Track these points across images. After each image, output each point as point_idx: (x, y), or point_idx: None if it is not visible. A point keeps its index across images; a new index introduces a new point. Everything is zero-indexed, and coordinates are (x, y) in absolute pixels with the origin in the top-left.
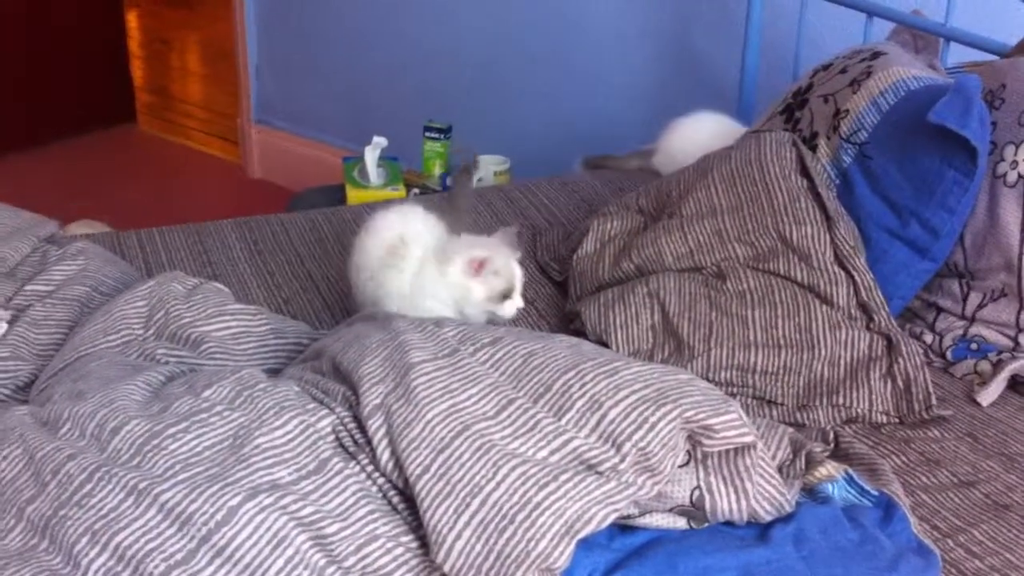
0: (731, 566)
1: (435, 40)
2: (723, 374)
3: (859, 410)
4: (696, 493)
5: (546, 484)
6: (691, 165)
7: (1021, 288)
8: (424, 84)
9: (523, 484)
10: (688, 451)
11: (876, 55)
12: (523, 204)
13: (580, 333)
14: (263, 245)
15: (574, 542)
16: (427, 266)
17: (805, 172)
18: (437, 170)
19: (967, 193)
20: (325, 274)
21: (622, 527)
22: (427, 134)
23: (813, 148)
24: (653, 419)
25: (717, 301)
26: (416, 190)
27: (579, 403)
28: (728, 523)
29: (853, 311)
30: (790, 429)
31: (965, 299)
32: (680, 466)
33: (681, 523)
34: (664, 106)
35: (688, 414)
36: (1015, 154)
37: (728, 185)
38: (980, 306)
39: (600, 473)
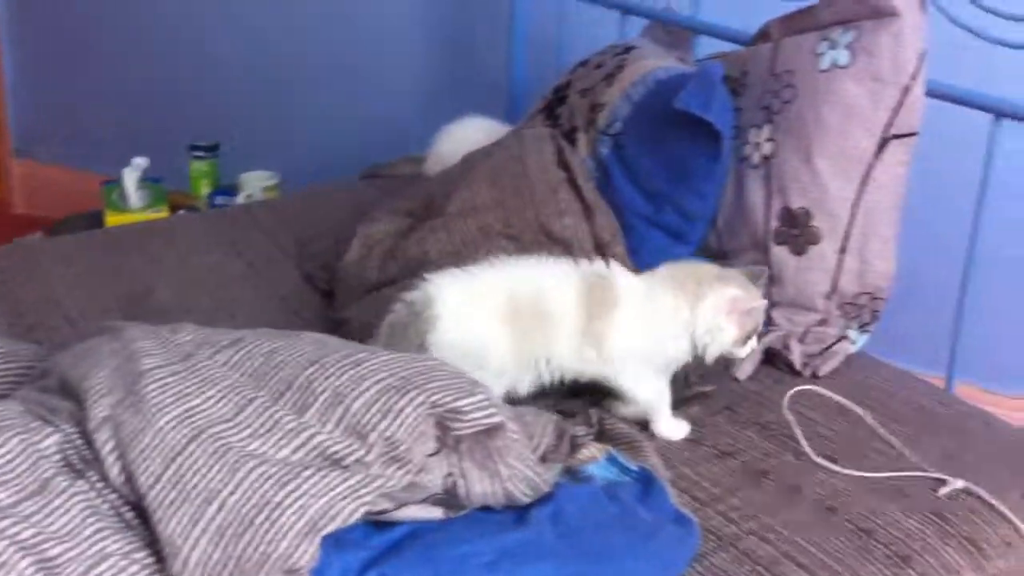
0: (488, 551)
1: (198, 57)
2: None
3: None
4: (449, 480)
5: (287, 483)
6: (455, 165)
7: (769, 265)
8: (190, 102)
9: (262, 485)
10: (439, 438)
11: (628, 49)
12: (291, 217)
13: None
14: (7, 275)
15: (318, 539)
16: (657, 302)
17: (564, 165)
18: (205, 190)
19: (716, 177)
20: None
21: (379, 523)
22: (193, 153)
23: (573, 142)
24: (398, 407)
25: None
26: (182, 211)
27: (322, 397)
28: (487, 509)
29: None
30: (556, 416)
31: None
32: (431, 455)
33: (437, 513)
34: (440, 111)
35: (434, 398)
36: (758, 136)
37: (490, 181)
38: None
39: (346, 467)
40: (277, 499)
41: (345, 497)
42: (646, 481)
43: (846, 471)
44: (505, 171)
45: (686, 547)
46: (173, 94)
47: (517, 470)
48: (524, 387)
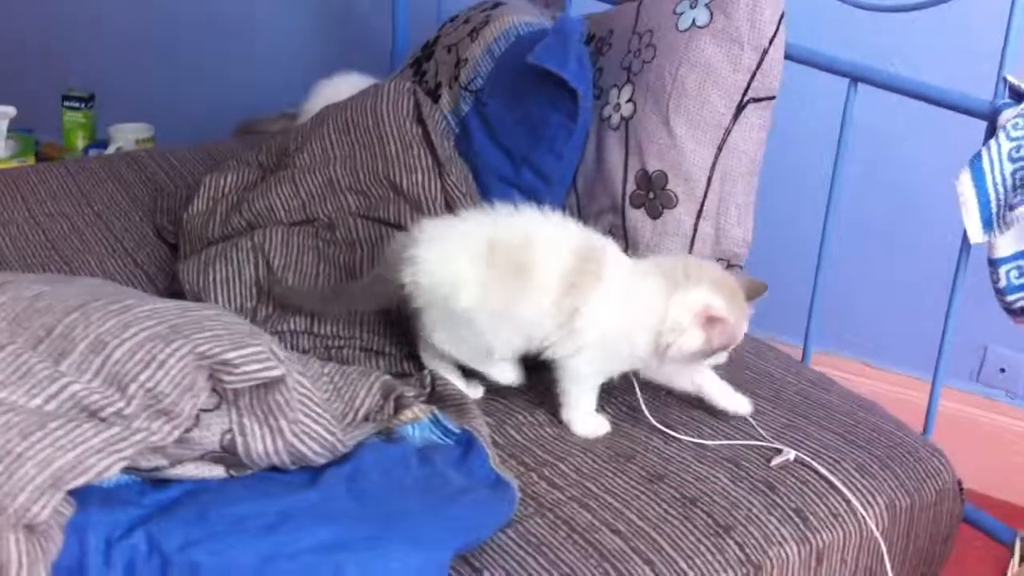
0: (270, 511)
1: (74, 5)
2: (328, 326)
3: None
4: (228, 437)
5: (30, 433)
6: (311, 117)
7: (626, 229)
8: (64, 51)
9: (4, 435)
10: (218, 392)
11: (496, 5)
12: (153, 169)
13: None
14: None
15: (60, 494)
16: (638, 286)
17: (421, 120)
18: (80, 142)
19: (573, 137)
20: None
21: (158, 481)
22: (67, 104)
23: (436, 99)
24: (162, 356)
25: (325, 252)
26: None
27: (82, 345)
28: (279, 470)
29: None
30: (386, 376)
31: None
32: (210, 409)
33: (219, 471)
34: (325, 73)
35: (201, 349)
36: (618, 97)
37: (342, 134)
38: None
39: (103, 419)
40: (18, 450)
41: (99, 451)
42: (467, 444)
43: (684, 438)
44: (358, 125)
45: (497, 511)
46: (46, 45)
47: (306, 428)
48: (504, 348)
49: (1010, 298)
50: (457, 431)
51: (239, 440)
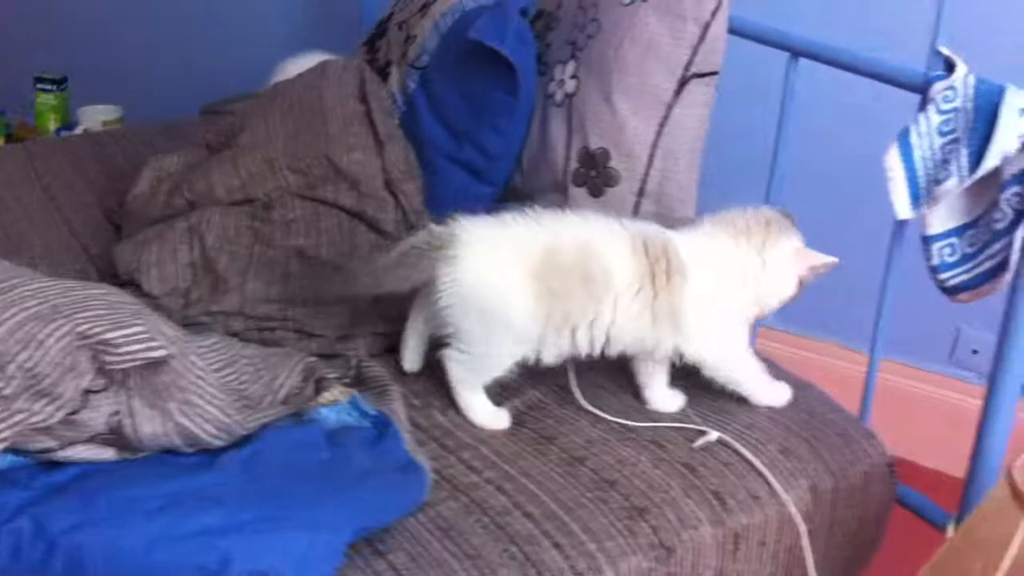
0: (159, 494)
1: None
2: (261, 308)
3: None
4: (115, 418)
5: None
6: (259, 96)
7: (569, 207)
8: (37, 33)
9: None
10: (105, 372)
11: None
12: (112, 151)
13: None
14: None
15: None
16: (724, 256)
17: (365, 99)
18: (52, 124)
19: (516, 114)
20: None
21: (48, 464)
22: (39, 86)
23: (386, 76)
24: (41, 336)
25: (261, 233)
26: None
27: None
28: (177, 452)
29: (403, 237)
30: (311, 358)
31: None
32: (98, 390)
33: (110, 454)
34: (292, 47)
35: (81, 328)
36: (563, 73)
37: (284, 113)
38: None
39: None
40: None
41: None
42: (383, 426)
43: (610, 419)
44: (302, 103)
45: (406, 495)
46: (17, 26)
47: (200, 409)
48: (550, 354)
49: (943, 276)
50: (374, 413)
51: (126, 422)
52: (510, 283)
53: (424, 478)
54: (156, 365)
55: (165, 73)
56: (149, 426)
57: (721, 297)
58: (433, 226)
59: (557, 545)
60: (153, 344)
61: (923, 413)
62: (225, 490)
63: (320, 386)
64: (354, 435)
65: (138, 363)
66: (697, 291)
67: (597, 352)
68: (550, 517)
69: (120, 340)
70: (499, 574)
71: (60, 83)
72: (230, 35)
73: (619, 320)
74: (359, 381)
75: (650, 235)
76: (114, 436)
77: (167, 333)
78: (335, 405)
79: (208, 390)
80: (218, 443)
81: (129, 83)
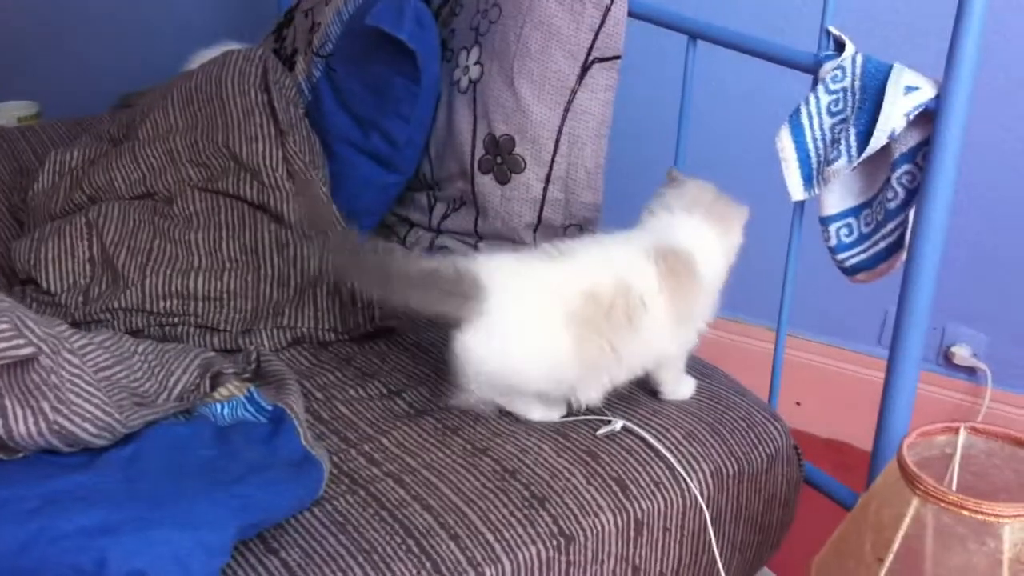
0: (34, 495)
1: None
2: (162, 303)
3: (304, 329)
4: None
5: None
6: (160, 87)
7: (476, 195)
8: None
9: None
10: None
11: None
12: (21, 147)
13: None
14: None
15: None
16: (705, 240)
17: (267, 88)
18: None
19: (419, 101)
20: None
21: None
22: None
23: (293, 65)
24: None
25: (161, 227)
26: None
27: None
28: (57, 453)
29: (305, 229)
30: (209, 353)
31: (431, 210)
32: None
33: None
34: (208, 37)
35: None
36: (467, 59)
37: (185, 104)
38: (444, 216)
39: None
40: None
41: None
42: (278, 421)
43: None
44: (201, 93)
45: (298, 489)
46: None
47: (77, 408)
48: (593, 394)
49: (841, 256)
50: (270, 408)
51: None
52: (545, 341)
53: (320, 472)
54: (25, 363)
55: (84, 68)
56: (23, 426)
57: (720, 278)
58: (458, 261)
59: (455, 537)
60: (17, 342)
61: (854, 394)
62: (102, 490)
63: (217, 381)
64: (247, 431)
65: (5, 362)
66: (707, 279)
67: (638, 373)
68: (449, 509)
69: None
70: (394, 567)
71: None
72: (151, 27)
73: (655, 341)
74: (258, 375)
75: (656, 240)
76: None
77: (36, 331)
78: (231, 400)
79: (86, 388)
80: (101, 442)
81: (49, 79)
